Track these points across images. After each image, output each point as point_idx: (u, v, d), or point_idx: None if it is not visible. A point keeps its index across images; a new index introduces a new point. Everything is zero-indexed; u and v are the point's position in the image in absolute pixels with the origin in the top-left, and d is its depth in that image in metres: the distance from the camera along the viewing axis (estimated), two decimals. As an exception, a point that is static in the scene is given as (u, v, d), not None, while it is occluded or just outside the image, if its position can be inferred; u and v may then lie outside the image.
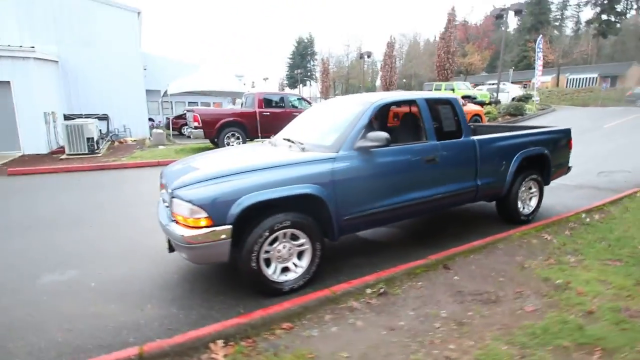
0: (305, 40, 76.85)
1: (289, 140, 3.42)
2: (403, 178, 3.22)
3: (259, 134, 10.65)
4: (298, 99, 11.60)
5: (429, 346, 2.06)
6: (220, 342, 2.08)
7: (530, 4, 59.96)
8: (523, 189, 4.11)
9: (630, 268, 2.89)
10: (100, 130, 11.99)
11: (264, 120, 10.51)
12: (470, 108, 14.33)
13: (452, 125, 3.68)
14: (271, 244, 2.62)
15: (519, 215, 4.12)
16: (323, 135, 3.22)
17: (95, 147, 10.23)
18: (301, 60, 75.70)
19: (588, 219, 4.06)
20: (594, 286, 2.59)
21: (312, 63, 76.33)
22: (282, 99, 11.09)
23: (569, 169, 4.73)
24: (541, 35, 20.59)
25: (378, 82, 64.37)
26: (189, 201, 2.43)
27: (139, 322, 2.42)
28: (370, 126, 3.21)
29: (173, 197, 2.55)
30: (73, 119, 11.09)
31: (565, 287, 2.59)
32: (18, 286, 2.96)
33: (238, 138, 10.35)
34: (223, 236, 2.45)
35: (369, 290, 2.64)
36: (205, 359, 2.00)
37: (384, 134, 2.90)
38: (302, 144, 3.15)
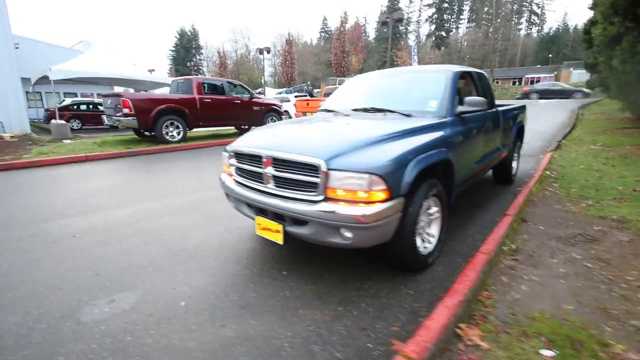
0: (189, 34, 69.67)
1: (365, 109, 2.97)
2: (483, 141, 3.19)
3: (200, 123, 9.15)
4: (237, 85, 10.36)
5: (614, 280, 2.08)
6: (463, 326, 1.66)
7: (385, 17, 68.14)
8: (515, 153, 4.60)
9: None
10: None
11: (205, 107, 9.04)
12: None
13: (488, 96, 3.81)
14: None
15: (511, 174, 4.60)
16: (416, 103, 2.88)
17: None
18: (186, 54, 68.49)
19: (552, 175, 4.83)
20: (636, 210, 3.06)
21: (197, 57, 69.94)
22: (222, 86, 9.71)
23: None
24: (415, 42, 23.58)
25: (266, 78, 63.32)
26: (366, 171, 1.84)
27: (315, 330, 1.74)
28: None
29: (332, 169, 1.89)
30: None
31: (622, 219, 2.99)
32: None
33: (177, 127, 8.65)
34: (397, 210, 1.95)
35: (505, 248, 2.52)
36: (463, 347, 1.56)
37: (482, 99, 2.78)
38: (392, 111, 2.77)
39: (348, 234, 1.93)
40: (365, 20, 79.04)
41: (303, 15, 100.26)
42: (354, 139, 2.09)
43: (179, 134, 8.71)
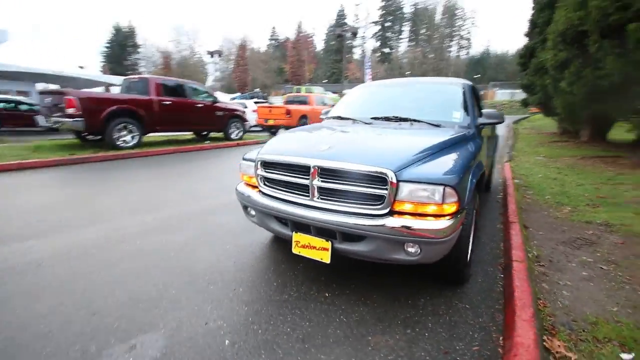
0: (125, 30, 64.15)
1: (386, 118, 2.91)
2: (485, 151, 3.31)
3: (158, 127, 8.31)
4: (199, 88, 9.65)
5: (633, 279, 2.26)
6: (546, 338, 1.63)
7: (334, 32, 70.65)
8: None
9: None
10: None
11: (164, 110, 8.25)
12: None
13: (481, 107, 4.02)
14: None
15: (490, 182, 4.92)
16: (440, 114, 2.87)
17: None
18: (121, 51, 62.85)
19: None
20: (625, 214, 3.43)
21: (134, 55, 64.59)
22: (182, 87, 8.96)
23: None
24: (369, 54, 24.68)
25: (211, 82, 60.54)
26: (439, 182, 1.74)
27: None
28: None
29: (402, 181, 1.77)
30: None
31: (607, 223, 3.34)
32: None
33: (131, 132, 7.74)
34: (461, 222, 1.89)
35: (530, 255, 2.62)
36: (556, 363, 1.53)
37: (498, 112, 2.90)
38: (419, 121, 2.75)
39: (414, 250, 1.82)
40: (313, 32, 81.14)
41: (250, 22, 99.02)
42: (412, 149, 1.99)
43: (132, 138, 7.81)
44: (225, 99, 24.75)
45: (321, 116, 3.76)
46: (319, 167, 1.98)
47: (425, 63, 54.62)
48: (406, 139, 2.30)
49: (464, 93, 3.01)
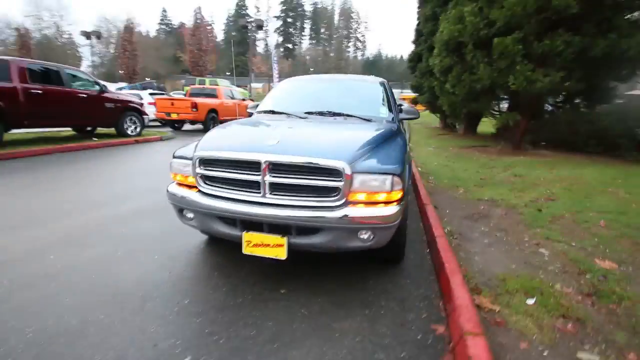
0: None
1: (320, 113, 2.99)
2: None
3: (26, 122, 6.68)
4: (76, 75, 8.03)
5: (520, 242, 2.87)
6: (475, 297, 1.96)
7: (235, 22, 67.90)
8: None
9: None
10: None
11: (34, 101, 6.65)
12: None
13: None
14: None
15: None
16: (367, 109, 3.07)
17: None
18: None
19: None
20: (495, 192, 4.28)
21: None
22: (57, 74, 7.33)
23: None
24: (275, 50, 24.50)
25: (84, 68, 50.96)
26: (388, 172, 1.90)
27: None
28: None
29: (356, 172, 1.86)
30: None
31: (492, 199, 4.13)
32: None
33: (-14, 128, 6.03)
34: (405, 207, 2.11)
35: (445, 230, 3.07)
36: (484, 314, 1.86)
37: (415, 109, 3.28)
38: (351, 116, 2.92)
39: (367, 236, 1.94)
40: (212, 20, 76.22)
41: (133, 1, 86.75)
42: (357, 142, 2.10)
43: (-12, 136, 6.10)
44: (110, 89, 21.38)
45: (249, 110, 3.62)
46: (270, 162, 1.92)
47: (327, 61, 57.42)
48: (349, 133, 2.42)
49: (384, 90, 3.31)
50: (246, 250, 2.03)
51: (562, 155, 7.35)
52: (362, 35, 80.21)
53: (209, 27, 42.75)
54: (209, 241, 2.84)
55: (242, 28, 21.41)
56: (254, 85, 38.15)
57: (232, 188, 2.05)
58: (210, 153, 2.09)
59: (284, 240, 1.96)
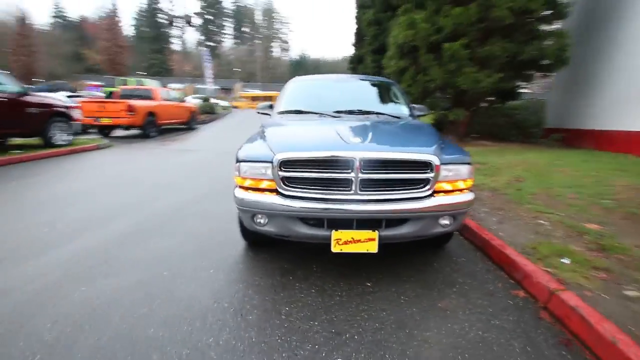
0: None
1: (350, 111, 3.08)
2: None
3: None
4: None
5: (521, 216, 3.40)
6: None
7: (148, 17, 61.91)
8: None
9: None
10: None
11: None
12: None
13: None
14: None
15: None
16: (392, 108, 3.28)
17: None
18: None
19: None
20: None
21: None
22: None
23: None
24: (208, 49, 23.10)
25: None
26: (467, 162, 2.15)
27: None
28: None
29: (443, 164, 2.04)
30: None
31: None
32: None
33: None
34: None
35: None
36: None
37: (424, 106, 3.60)
38: (382, 114, 3.09)
39: (448, 222, 2.15)
40: (116, 12, 67.94)
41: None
42: (429, 137, 2.30)
43: None
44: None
45: (259, 111, 3.53)
46: (363, 159, 1.99)
47: (254, 61, 56.26)
48: (409, 130, 2.60)
49: (399, 89, 3.56)
50: (335, 248, 2.05)
51: (498, 144, 8.64)
52: (286, 35, 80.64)
53: (118, 21, 38.11)
54: (247, 248, 2.70)
55: (169, 23, 19.65)
56: (173, 85, 35.00)
57: (317, 188, 2.05)
58: (291, 154, 2.05)
59: (375, 234, 2.04)
